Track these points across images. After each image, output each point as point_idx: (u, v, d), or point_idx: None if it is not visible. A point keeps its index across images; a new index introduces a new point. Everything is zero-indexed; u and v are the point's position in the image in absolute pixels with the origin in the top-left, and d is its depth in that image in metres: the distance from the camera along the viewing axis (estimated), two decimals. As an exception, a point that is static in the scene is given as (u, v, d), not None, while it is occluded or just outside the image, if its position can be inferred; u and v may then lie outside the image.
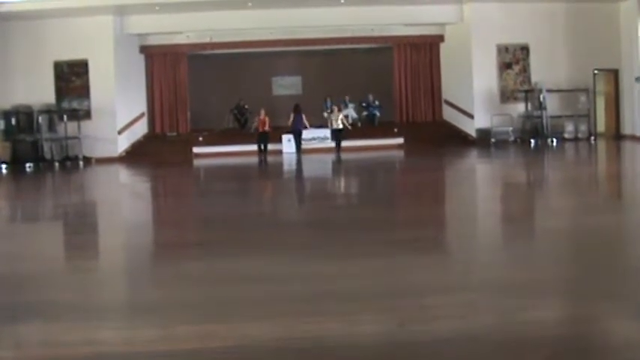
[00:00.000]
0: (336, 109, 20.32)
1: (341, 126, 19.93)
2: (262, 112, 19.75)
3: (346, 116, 21.07)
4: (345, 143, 19.62)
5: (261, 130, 19.65)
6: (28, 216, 10.55)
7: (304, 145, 19.83)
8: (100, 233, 8.96)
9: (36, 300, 5.05)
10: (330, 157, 18.75)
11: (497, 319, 4.23)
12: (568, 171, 14.40)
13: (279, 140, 20.23)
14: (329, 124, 20.30)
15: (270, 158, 18.86)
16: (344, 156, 18.64)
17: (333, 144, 20.08)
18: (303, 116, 19.63)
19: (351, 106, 22.27)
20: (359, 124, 22.00)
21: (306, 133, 19.95)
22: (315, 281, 5.30)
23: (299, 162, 18.14)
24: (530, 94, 20.45)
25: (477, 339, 3.85)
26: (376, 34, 22.02)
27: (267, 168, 17.27)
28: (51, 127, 19.47)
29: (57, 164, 18.82)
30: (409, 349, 3.75)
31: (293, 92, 24.55)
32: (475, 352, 3.70)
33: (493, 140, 20.08)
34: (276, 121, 20.49)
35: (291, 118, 19.57)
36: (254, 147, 19.69)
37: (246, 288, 5.16)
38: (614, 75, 20.92)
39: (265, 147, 19.59)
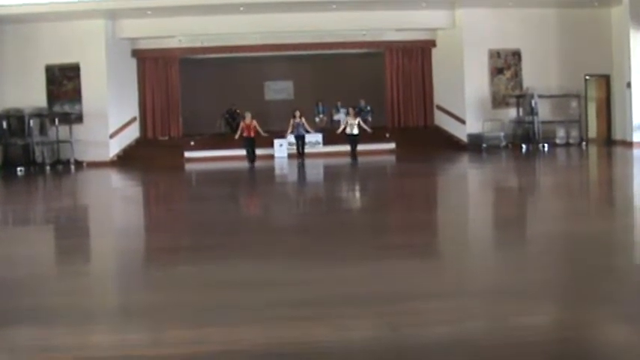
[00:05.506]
0: (352, 111, 19.09)
1: (356, 132, 18.45)
2: (248, 116, 18.45)
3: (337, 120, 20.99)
4: (337, 148, 19.37)
5: (246, 135, 18.32)
6: (19, 220, 10.49)
7: (293, 150, 19.76)
8: (91, 237, 8.92)
9: (27, 304, 5.03)
10: (322, 162, 18.72)
11: (490, 324, 4.24)
12: (559, 176, 14.43)
13: (271, 145, 20.21)
14: (345, 129, 18.63)
15: (261, 163, 18.67)
16: (335, 161, 18.53)
17: (326, 149, 20.04)
18: (304, 121, 19.48)
19: (342, 111, 22.26)
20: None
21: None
22: (308, 286, 5.29)
23: (302, 166, 17.99)
24: (522, 99, 20.52)
25: (469, 344, 3.86)
26: (368, 39, 22.07)
27: (256, 174, 16.95)
28: (42, 130, 19.43)
29: (48, 168, 18.75)
30: (402, 354, 3.75)
31: (285, 97, 24.58)
32: (468, 357, 3.70)
33: (484, 145, 20.12)
34: (268, 126, 20.42)
35: (291, 123, 19.38)
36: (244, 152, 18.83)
37: (238, 292, 5.14)
38: (606, 80, 21.01)
39: (253, 153, 18.36)
